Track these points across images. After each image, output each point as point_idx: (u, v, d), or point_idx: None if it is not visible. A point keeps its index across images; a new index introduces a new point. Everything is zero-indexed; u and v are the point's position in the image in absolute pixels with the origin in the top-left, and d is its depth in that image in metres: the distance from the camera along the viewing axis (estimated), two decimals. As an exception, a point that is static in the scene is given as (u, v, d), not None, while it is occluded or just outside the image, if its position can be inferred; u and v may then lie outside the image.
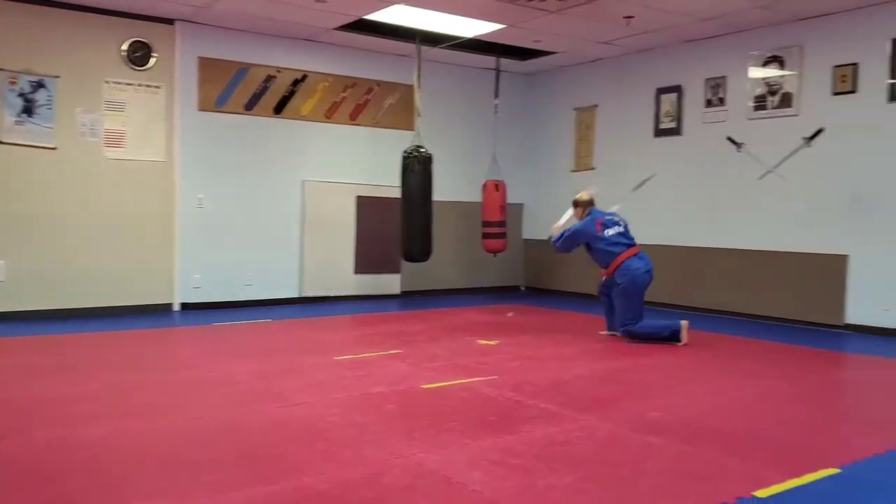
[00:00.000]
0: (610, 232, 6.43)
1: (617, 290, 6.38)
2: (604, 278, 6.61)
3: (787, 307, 7.53)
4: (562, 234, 6.64)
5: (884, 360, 5.74)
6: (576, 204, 6.75)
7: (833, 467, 3.21)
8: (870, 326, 6.90)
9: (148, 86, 7.68)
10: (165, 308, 7.83)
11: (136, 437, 3.53)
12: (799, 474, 3.10)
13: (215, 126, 8.08)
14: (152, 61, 7.67)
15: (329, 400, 4.22)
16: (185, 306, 7.94)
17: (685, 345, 6.08)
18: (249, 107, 8.28)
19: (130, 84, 7.59)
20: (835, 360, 5.90)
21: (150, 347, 5.88)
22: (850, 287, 7.05)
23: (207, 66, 7.99)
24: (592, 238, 6.46)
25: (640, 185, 7.62)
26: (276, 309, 8.09)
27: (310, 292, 8.69)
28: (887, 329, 6.77)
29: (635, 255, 6.39)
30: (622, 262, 6.33)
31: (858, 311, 7.00)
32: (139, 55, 7.59)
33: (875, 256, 6.87)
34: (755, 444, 3.58)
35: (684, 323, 6.20)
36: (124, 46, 7.48)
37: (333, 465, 3.16)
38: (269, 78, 8.38)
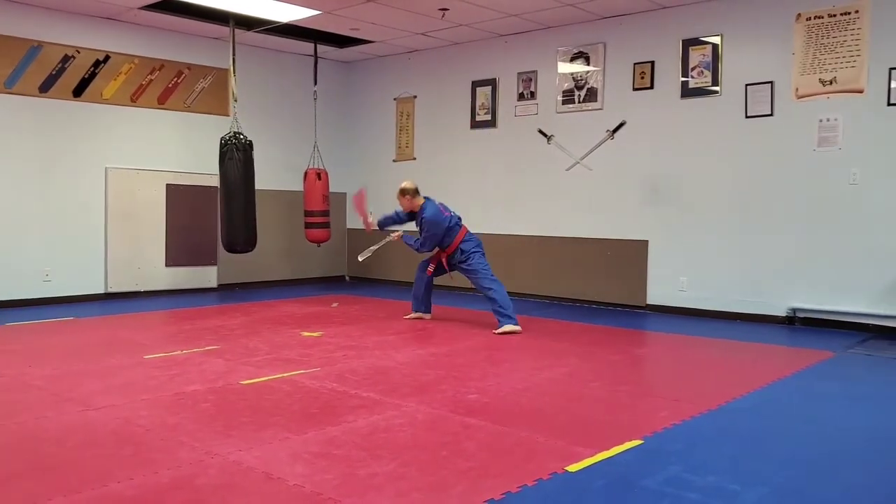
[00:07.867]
0: (449, 213, 6.61)
1: (471, 256, 6.52)
2: (439, 257, 6.67)
3: (597, 290, 7.97)
4: (421, 238, 6.57)
5: (679, 337, 6.21)
6: (404, 192, 6.64)
7: (636, 439, 3.42)
8: (668, 306, 7.46)
9: (-78, 62, 6.93)
10: (-51, 309, 7.13)
11: (-88, 454, 3.17)
12: (606, 447, 3.28)
13: (5, 109, 7.41)
14: (-73, 35, 6.93)
15: (137, 402, 3.98)
16: (-27, 306, 7.26)
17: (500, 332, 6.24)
18: (45, 88, 7.66)
19: None
20: (636, 339, 6.31)
21: (-70, 353, 5.29)
22: (650, 270, 7.57)
23: (-6, 43, 7.31)
24: (445, 224, 6.51)
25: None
26: (80, 306, 7.55)
27: (116, 287, 8.19)
28: (682, 308, 7.34)
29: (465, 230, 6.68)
30: (464, 235, 6.59)
31: (658, 292, 7.54)
32: (-90, 28, 6.83)
33: (671, 241, 7.42)
34: (565, 420, 3.75)
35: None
36: None
37: (143, 469, 2.98)
38: (67, 58, 7.78)
